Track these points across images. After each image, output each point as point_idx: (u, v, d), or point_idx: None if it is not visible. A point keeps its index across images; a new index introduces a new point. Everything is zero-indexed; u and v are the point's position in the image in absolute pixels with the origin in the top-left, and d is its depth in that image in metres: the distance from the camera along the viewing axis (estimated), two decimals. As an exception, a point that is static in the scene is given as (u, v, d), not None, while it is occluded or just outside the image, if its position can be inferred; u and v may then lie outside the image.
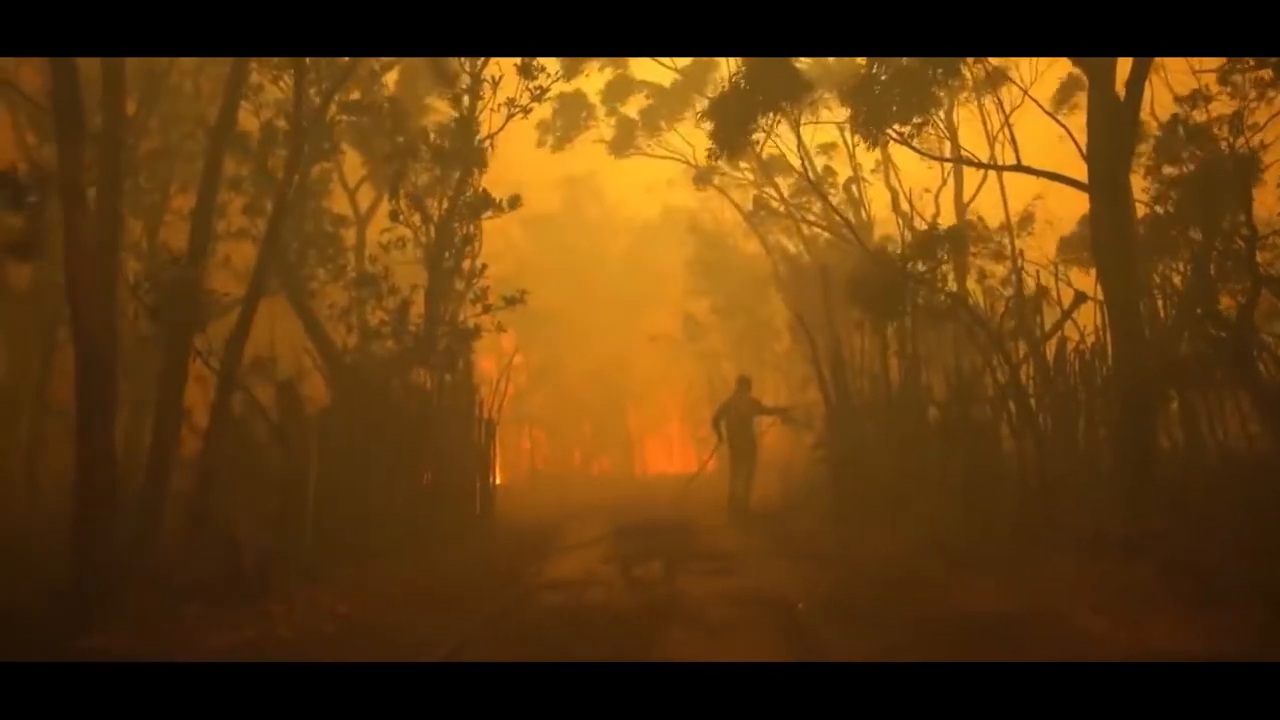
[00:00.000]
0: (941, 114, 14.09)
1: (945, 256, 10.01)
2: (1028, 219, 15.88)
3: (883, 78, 9.56)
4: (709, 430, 15.58)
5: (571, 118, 17.79)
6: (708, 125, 10.60)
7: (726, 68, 14.07)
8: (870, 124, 9.83)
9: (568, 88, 16.52)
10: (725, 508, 14.27)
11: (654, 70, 17.77)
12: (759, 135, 10.56)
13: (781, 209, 17.68)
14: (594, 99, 17.85)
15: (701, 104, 11.55)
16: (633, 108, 18.42)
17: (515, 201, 11.50)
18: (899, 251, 10.14)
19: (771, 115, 10.36)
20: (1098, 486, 8.87)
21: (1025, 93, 11.61)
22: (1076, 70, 11.81)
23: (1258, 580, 5.93)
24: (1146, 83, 9.29)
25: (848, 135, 17.40)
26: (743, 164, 14.34)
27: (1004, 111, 11.73)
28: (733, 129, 10.32)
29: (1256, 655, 4.81)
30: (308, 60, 9.47)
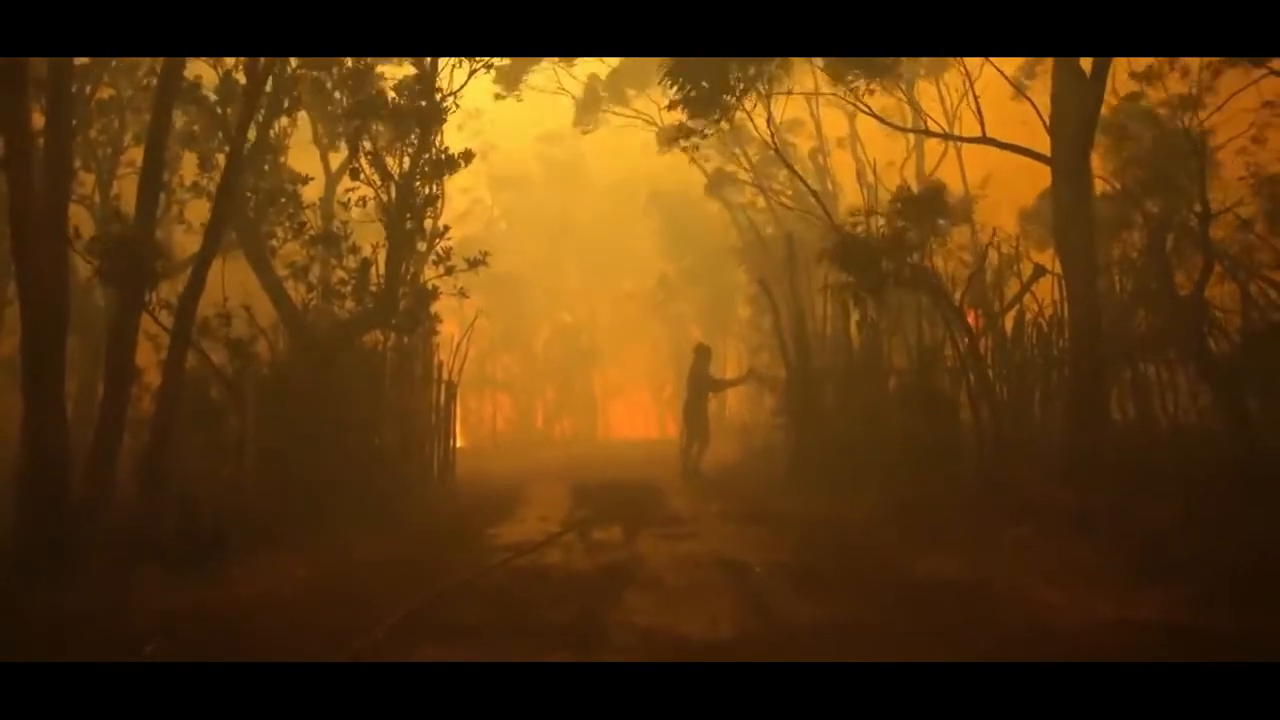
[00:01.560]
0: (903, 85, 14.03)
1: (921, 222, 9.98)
2: (975, 197, 16.04)
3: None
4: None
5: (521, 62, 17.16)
6: (673, 86, 10.48)
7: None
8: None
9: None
10: (679, 472, 14.60)
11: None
12: (730, 99, 10.46)
13: (748, 177, 17.58)
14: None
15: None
16: (600, 70, 18.11)
17: (468, 156, 11.30)
18: (868, 220, 10.06)
19: (741, 78, 10.32)
20: (1052, 457, 8.97)
21: (995, 67, 11.62)
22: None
23: (1206, 551, 6.03)
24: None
25: (814, 106, 17.46)
26: (708, 131, 14.27)
27: (970, 80, 11.73)
28: (705, 91, 10.28)
29: (1204, 624, 4.90)
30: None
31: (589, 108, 18.40)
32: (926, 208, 9.46)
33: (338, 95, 10.91)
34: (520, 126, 27.01)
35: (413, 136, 10.80)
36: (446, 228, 11.75)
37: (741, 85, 10.32)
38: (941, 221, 9.61)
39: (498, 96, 16.46)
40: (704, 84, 10.24)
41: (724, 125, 11.38)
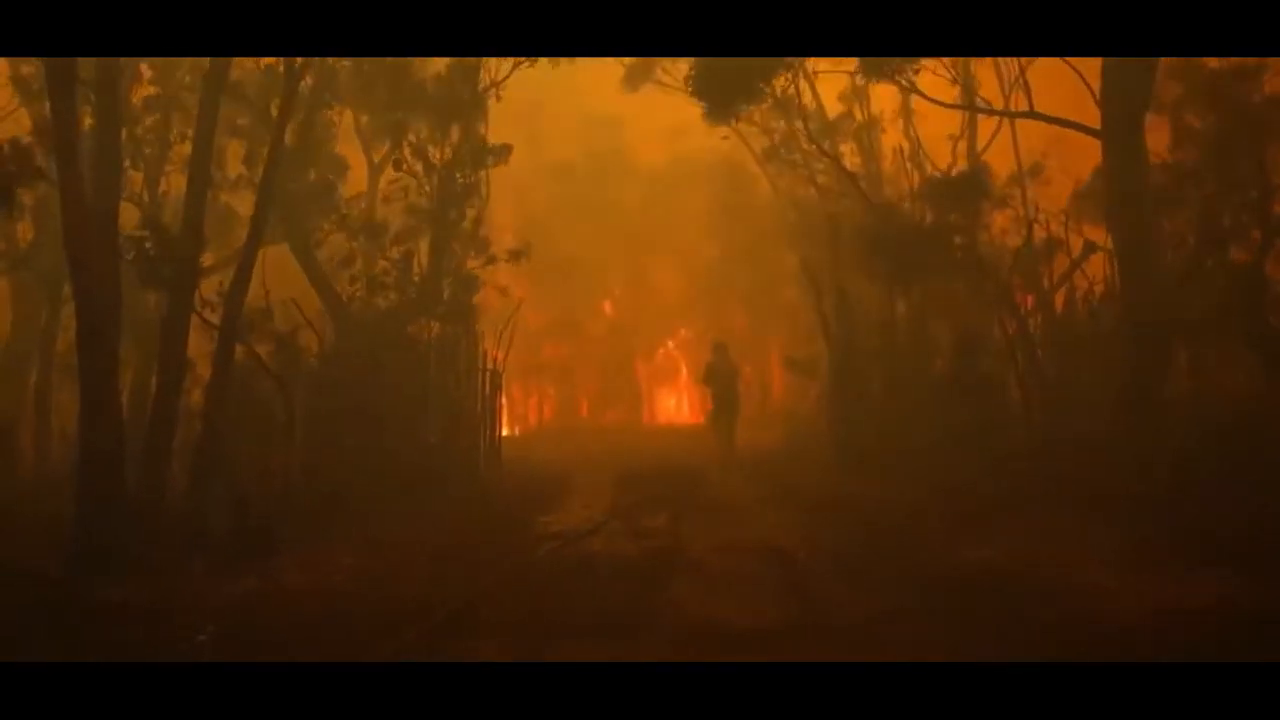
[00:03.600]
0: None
1: (962, 207, 9.93)
2: (1038, 169, 15.59)
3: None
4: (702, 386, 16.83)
5: None
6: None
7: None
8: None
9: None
10: (717, 457, 14.97)
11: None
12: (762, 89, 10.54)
13: (795, 157, 17.36)
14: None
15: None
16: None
17: (503, 151, 11.43)
18: (912, 204, 10.05)
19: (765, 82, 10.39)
20: (1103, 438, 8.82)
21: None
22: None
23: (1263, 536, 5.92)
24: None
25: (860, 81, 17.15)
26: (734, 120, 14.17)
27: (1019, 59, 11.56)
28: (721, 102, 10.39)
29: (1262, 610, 4.81)
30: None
31: (641, 70, 18.06)
32: (964, 192, 9.38)
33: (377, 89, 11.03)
34: (566, 113, 27.04)
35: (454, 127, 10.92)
36: (478, 218, 11.86)
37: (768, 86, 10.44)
38: (985, 204, 9.49)
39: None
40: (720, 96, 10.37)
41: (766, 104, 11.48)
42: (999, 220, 11.38)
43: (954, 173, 13.60)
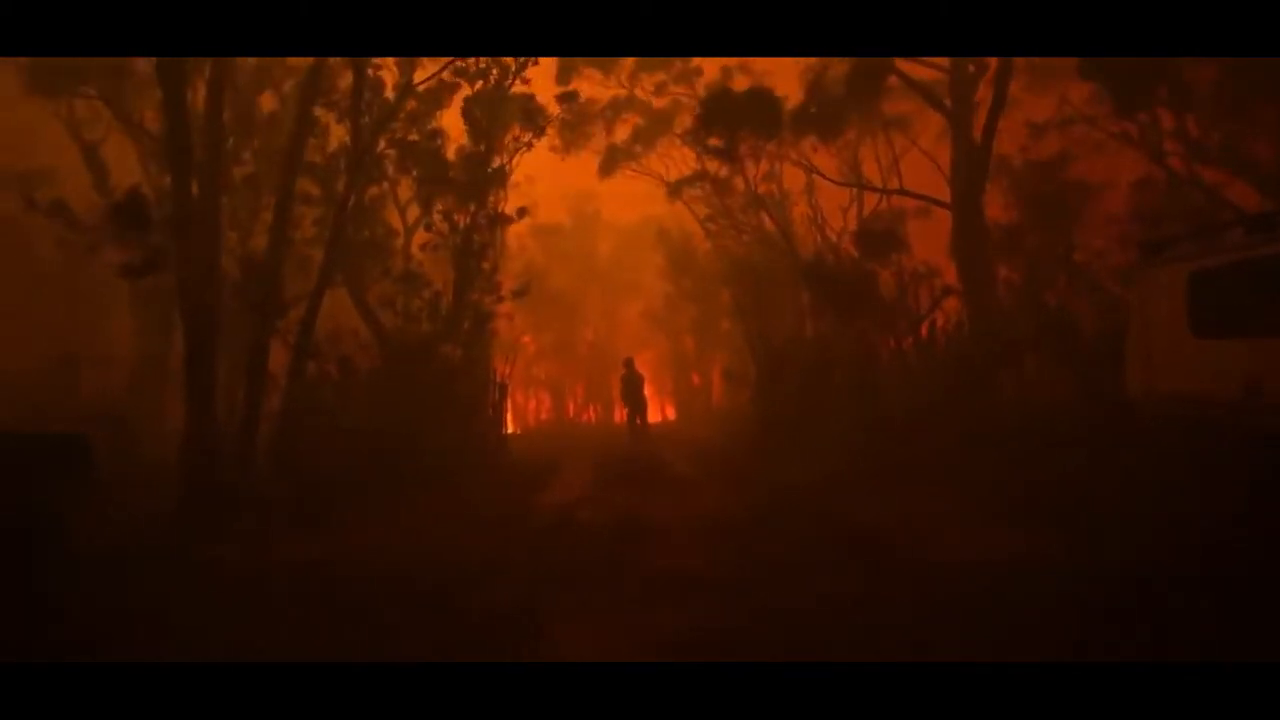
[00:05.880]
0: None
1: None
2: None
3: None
4: (618, 395, 17.55)
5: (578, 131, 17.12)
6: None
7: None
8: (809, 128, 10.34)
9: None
10: (627, 438, 15.73)
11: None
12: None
13: (726, 222, 17.66)
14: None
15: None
16: (621, 134, 18.01)
17: (523, 212, 11.62)
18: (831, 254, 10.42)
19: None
20: (954, 430, 9.09)
21: (911, 140, 11.85)
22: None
23: (1066, 499, 6.21)
24: (996, 129, 9.51)
25: (779, 167, 17.51)
26: (700, 185, 14.53)
27: (894, 150, 11.96)
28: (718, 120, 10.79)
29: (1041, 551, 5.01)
30: (363, 104, 9.47)
31: (610, 163, 18.28)
32: (881, 243, 9.78)
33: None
34: (554, 187, 27.26)
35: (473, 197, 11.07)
36: (494, 268, 12.00)
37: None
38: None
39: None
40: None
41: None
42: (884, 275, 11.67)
43: (845, 233, 14.04)
